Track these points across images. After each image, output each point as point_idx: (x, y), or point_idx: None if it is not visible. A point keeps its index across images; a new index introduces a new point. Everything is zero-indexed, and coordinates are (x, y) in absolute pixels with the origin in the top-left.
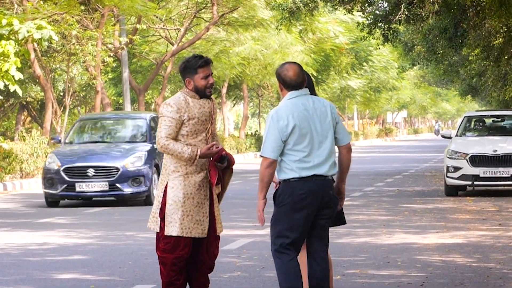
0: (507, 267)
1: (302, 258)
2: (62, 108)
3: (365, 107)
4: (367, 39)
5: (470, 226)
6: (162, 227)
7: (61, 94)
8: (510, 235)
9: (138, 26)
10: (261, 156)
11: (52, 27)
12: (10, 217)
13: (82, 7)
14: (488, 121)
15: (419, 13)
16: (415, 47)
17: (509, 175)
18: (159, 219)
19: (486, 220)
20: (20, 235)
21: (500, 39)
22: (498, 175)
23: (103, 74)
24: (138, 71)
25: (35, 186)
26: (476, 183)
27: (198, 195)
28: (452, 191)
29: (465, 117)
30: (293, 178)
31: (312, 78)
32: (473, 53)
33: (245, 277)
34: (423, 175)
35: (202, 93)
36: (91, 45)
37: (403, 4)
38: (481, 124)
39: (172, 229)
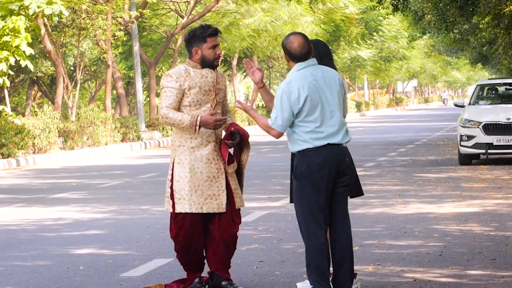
0: None
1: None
2: (73, 83)
3: (375, 77)
4: (377, 8)
5: (485, 194)
6: (173, 206)
7: (72, 68)
8: None
9: None
10: (271, 126)
11: (62, 2)
12: (24, 192)
13: None
14: (501, 89)
15: None
16: (425, 16)
17: None
18: (170, 199)
19: (501, 188)
20: (35, 211)
21: (511, 7)
22: (511, 143)
23: (113, 48)
24: (149, 44)
25: (48, 161)
26: (489, 151)
27: (208, 169)
28: (466, 160)
29: (477, 85)
30: (307, 148)
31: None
32: (483, 21)
33: (262, 249)
34: (435, 144)
35: (209, 63)
36: (101, 19)
37: None
38: (493, 92)
39: (181, 206)
